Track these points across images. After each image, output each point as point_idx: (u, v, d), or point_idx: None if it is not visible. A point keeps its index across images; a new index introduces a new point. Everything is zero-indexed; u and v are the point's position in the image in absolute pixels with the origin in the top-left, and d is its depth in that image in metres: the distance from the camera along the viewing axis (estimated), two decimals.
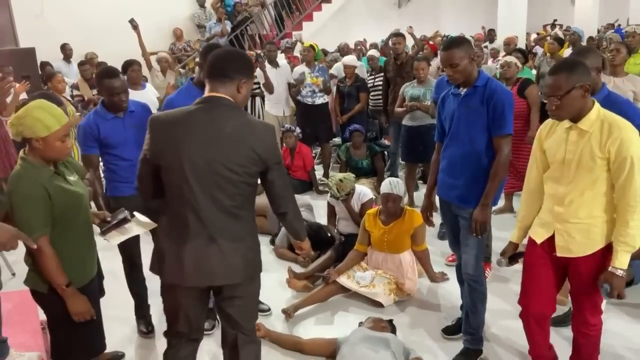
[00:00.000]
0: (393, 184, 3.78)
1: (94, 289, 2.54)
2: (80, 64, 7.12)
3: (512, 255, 2.70)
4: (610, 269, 2.31)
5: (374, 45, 9.94)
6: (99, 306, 2.58)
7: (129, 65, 5.15)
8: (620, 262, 2.29)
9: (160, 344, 3.42)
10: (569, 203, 2.39)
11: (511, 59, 5.25)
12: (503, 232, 4.14)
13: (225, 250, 2.17)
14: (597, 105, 2.34)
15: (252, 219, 2.30)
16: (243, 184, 2.16)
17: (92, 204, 2.85)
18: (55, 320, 2.40)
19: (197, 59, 3.27)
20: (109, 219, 2.52)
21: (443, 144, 2.95)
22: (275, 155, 2.22)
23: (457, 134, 2.81)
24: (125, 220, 2.47)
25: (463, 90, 2.79)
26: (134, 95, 3.84)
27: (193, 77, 3.39)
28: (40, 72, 7.87)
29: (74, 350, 2.45)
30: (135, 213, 2.53)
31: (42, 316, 3.19)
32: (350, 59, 6.86)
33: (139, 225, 2.52)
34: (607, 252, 2.36)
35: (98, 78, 3.20)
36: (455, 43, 2.75)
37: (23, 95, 5.22)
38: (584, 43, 8.01)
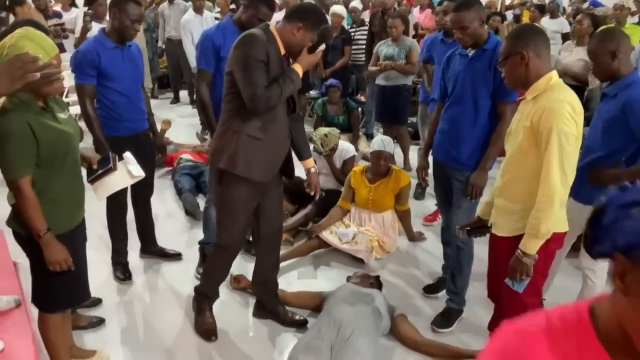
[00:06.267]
0: (385, 142, 3.76)
1: (81, 234, 2.42)
2: None
3: (472, 228, 2.51)
4: (516, 252, 2.10)
5: None
6: (84, 252, 2.46)
7: None
8: (525, 245, 2.06)
9: (137, 289, 3.35)
10: (503, 176, 2.23)
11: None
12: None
13: None
14: (550, 75, 2.09)
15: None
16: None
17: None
18: (38, 264, 2.25)
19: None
20: (94, 166, 2.39)
21: (444, 105, 2.91)
22: (231, 61, 2.47)
23: (461, 97, 2.76)
24: (109, 170, 2.34)
25: (471, 52, 2.73)
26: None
27: (233, 15, 3.25)
28: None
29: (56, 297, 2.33)
30: (126, 155, 2.41)
31: (14, 257, 3.05)
32: (339, 9, 6.61)
33: (124, 178, 2.39)
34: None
35: (120, 1, 2.95)
36: (465, 4, 2.67)
37: None
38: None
